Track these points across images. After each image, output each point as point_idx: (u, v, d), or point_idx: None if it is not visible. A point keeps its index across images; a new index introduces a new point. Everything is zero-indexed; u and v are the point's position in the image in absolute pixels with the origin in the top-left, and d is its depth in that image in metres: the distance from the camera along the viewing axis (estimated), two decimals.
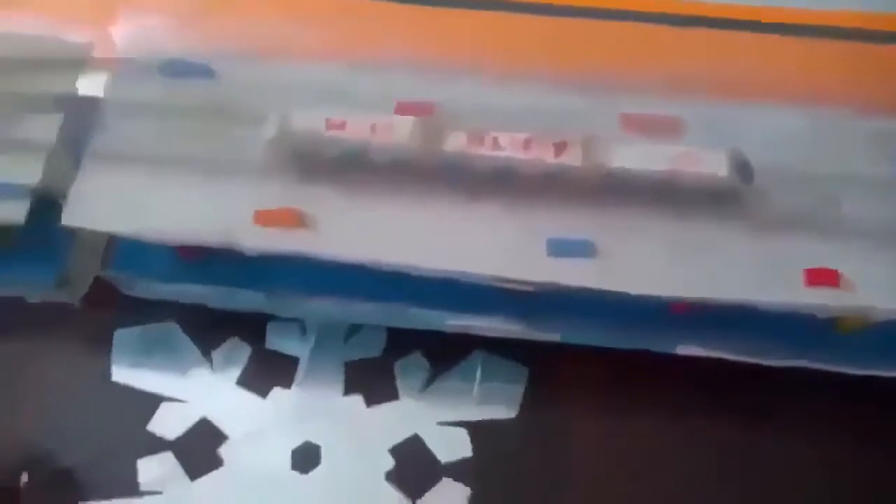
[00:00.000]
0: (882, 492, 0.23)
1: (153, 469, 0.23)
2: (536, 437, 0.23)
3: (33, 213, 0.22)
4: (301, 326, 0.25)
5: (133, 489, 0.23)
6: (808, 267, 0.20)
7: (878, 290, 0.20)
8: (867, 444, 0.23)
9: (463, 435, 0.24)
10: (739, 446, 0.23)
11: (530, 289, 0.21)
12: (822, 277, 0.20)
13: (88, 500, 0.23)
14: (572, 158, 0.21)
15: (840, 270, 0.20)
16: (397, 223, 0.21)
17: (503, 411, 0.24)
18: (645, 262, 0.21)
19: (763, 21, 0.24)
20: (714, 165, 0.21)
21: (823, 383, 0.23)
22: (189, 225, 0.22)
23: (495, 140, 0.21)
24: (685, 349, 0.23)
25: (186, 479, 0.23)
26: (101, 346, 0.25)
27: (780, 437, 0.23)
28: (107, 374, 0.24)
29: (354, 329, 0.25)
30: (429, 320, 0.23)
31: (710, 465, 0.23)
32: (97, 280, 0.24)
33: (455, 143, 0.21)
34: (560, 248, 0.21)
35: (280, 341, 0.25)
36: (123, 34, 0.23)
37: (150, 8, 0.24)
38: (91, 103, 0.23)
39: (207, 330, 0.25)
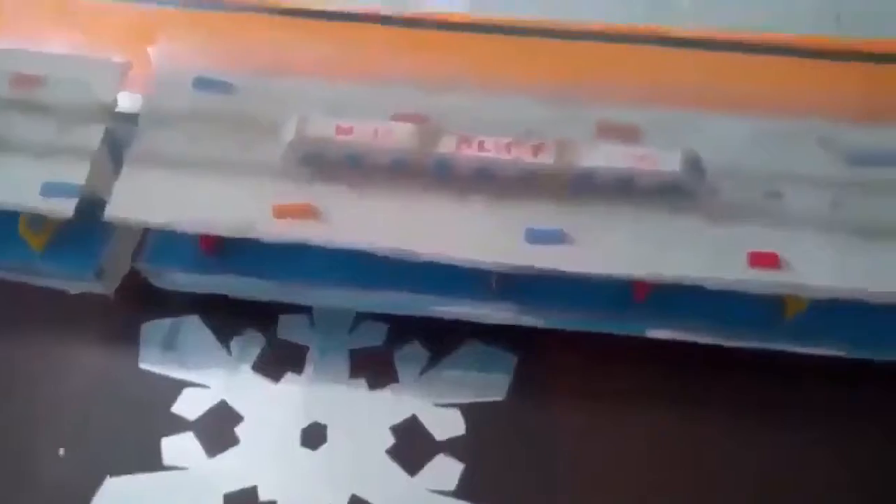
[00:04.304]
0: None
1: (176, 447, 0.25)
2: (523, 417, 0.25)
3: (77, 212, 0.24)
4: (310, 319, 0.26)
5: (157, 465, 0.25)
6: (752, 250, 0.23)
7: (812, 271, 0.22)
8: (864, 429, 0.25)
9: (456, 415, 0.25)
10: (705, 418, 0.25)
11: (511, 271, 0.23)
12: (764, 260, 0.22)
13: (117, 474, 0.25)
14: (547, 159, 0.23)
15: (780, 254, 0.22)
16: (396, 215, 0.23)
17: (493, 394, 0.25)
18: (609, 248, 0.23)
19: (718, 39, 0.26)
20: (669, 164, 0.23)
21: (802, 370, 0.25)
22: (217, 217, 0.23)
23: (481, 143, 0.23)
24: (654, 332, 0.25)
25: (205, 455, 0.25)
26: (131, 337, 0.26)
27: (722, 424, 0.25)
28: (135, 361, 0.26)
29: (358, 321, 0.26)
30: (425, 307, 0.25)
31: (688, 447, 0.25)
32: (126, 278, 0.26)
33: (446, 146, 0.24)
34: (536, 237, 0.23)
35: (291, 332, 0.26)
36: (158, 55, 0.26)
37: (180, 33, 0.26)
38: (130, 114, 0.25)
39: (225, 322, 0.26)
